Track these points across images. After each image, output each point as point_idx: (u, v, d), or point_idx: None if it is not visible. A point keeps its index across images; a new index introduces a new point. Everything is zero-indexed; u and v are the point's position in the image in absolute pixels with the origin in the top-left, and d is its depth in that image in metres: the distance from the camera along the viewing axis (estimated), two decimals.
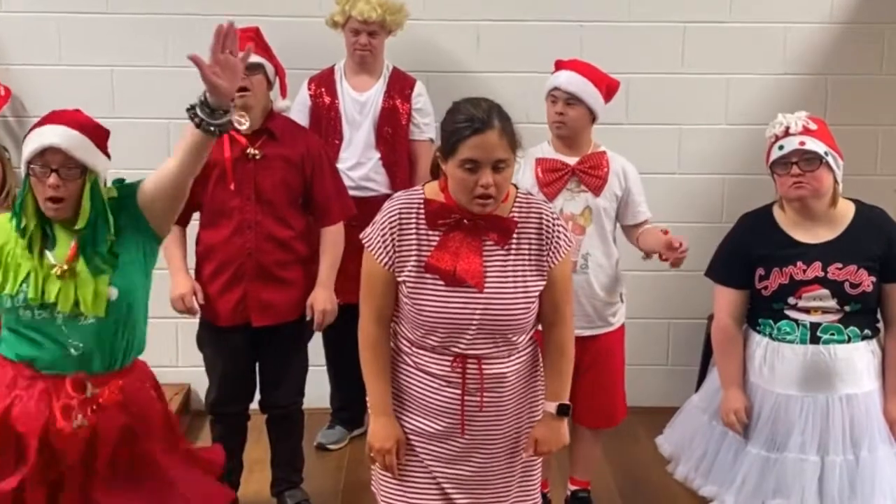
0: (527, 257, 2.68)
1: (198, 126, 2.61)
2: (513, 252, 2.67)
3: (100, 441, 2.74)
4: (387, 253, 2.67)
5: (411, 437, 2.75)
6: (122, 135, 4.28)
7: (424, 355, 2.71)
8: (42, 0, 4.53)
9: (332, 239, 3.67)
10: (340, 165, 4.19)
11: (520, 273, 2.67)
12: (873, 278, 3.14)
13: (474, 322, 2.64)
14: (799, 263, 3.14)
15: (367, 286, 2.73)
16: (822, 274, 3.12)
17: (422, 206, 2.67)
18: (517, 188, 2.74)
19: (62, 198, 2.69)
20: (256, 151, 3.56)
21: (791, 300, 3.16)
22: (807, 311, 3.16)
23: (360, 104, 4.23)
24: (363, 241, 2.73)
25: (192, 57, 2.53)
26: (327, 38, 4.30)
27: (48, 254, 2.73)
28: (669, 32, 4.65)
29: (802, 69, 4.69)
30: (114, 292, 2.73)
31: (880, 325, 3.25)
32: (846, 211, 3.19)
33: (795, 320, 3.18)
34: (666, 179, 4.67)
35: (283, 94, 3.72)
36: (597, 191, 3.62)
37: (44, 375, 2.74)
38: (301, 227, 3.67)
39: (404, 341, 2.75)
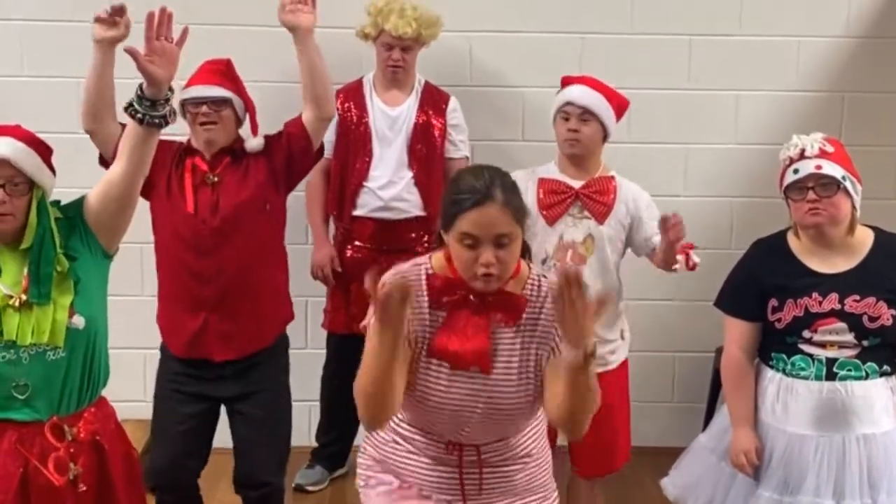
0: (536, 342, 2.58)
1: (140, 122, 2.65)
2: (523, 334, 2.58)
3: (81, 481, 2.73)
4: None
5: None
6: (90, 152, 4.28)
7: (417, 432, 2.66)
8: (4, 6, 4.52)
9: None
10: (370, 184, 4.21)
11: (531, 358, 2.58)
12: (893, 311, 3.13)
13: (479, 409, 2.57)
14: (814, 295, 3.14)
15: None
16: (838, 306, 3.12)
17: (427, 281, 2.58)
18: (530, 266, 2.64)
19: (8, 213, 2.68)
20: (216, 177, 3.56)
21: (806, 334, 3.16)
22: (822, 345, 3.16)
23: (391, 119, 4.25)
24: (365, 325, 2.59)
25: (129, 49, 2.60)
26: (353, 49, 4.30)
27: None
28: (675, 46, 4.67)
29: (817, 85, 4.71)
30: (80, 321, 2.71)
31: None
32: (864, 239, 3.20)
33: (810, 355, 3.17)
34: (671, 202, 4.64)
35: (254, 131, 3.67)
36: (601, 218, 3.60)
37: (10, 424, 2.71)
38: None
39: (396, 417, 2.69)
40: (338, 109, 4.24)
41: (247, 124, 3.70)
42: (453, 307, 2.55)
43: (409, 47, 4.18)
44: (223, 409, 3.69)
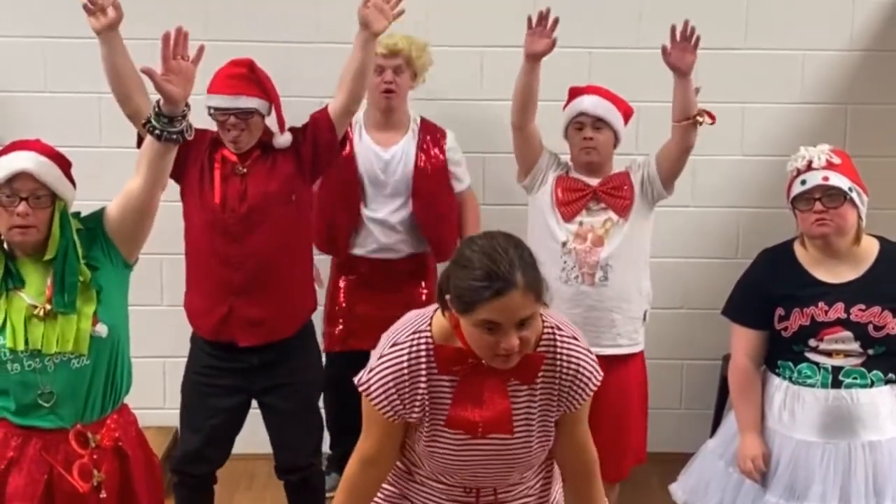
0: (549, 397, 2.46)
1: (158, 138, 2.67)
2: (539, 391, 2.44)
3: (104, 488, 2.74)
4: (394, 410, 2.43)
5: None
6: (111, 166, 4.31)
7: (431, 477, 2.56)
8: (27, 24, 4.54)
9: None
10: (364, 228, 4.13)
11: (547, 414, 2.47)
12: None
13: (494, 464, 2.48)
14: (821, 304, 3.13)
15: (366, 428, 2.51)
16: (844, 315, 3.12)
17: (431, 351, 2.41)
18: (543, 319, 2.45)
19: (32, 226, 2.69)
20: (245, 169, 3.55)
21: (812, 342, 3.15)
22: (828, 354, 3.15)
23: (384, 162, 4.13)
24: (360, 389, 2.45)
25: (144, 69, 2.65)
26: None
27: (22, 294, 2.71)
28: None
29: (821, 98, 4.70)
30: (104, 329, 2.73)
31: None
32: (870, 249, 3.19)
33: (816, 363, 3.16)
34: (678, 213, 4.66)
35: (281, 127, 3.59)
36: (623, 212, 3.61)
37: (35, 432, 2.72)
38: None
39: (409, 462, 2.60)
40: None
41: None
42: (465, 373, 2.40)
43: (400, 68, 4.06)
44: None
